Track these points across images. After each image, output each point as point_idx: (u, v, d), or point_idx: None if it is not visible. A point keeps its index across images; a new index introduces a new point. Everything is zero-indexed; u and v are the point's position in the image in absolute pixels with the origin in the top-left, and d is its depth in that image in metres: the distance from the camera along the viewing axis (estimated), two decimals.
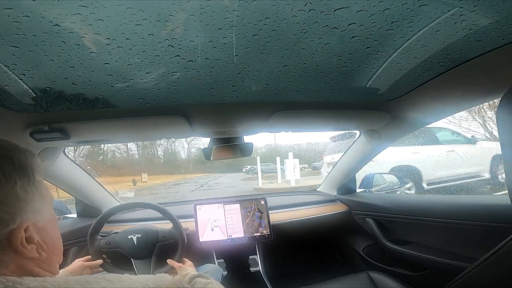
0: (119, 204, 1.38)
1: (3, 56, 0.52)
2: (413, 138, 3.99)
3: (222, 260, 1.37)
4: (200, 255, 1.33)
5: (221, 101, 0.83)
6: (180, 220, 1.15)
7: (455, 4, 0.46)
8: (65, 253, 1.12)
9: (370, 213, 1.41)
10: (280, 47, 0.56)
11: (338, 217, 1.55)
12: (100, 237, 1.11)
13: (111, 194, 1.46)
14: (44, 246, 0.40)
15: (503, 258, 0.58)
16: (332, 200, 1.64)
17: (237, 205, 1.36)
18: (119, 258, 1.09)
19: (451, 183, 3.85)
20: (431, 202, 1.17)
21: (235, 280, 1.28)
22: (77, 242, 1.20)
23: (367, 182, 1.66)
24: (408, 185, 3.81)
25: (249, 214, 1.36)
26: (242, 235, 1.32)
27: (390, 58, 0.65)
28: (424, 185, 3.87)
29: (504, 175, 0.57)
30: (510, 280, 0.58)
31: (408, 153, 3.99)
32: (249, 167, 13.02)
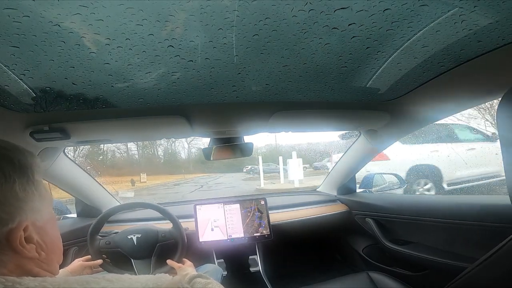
0: (119, 204, 1.38)
1: (3, 56, 0.52)
2: (432, 135, 3.81)
3: (222, 260, 1.37)
4: (200, 255, 1.33)
5: (221, 101, 0.83)
6: (180, 220, 1.15)
7: (455, 4, 0.46)
8: (65, 253, 1.12)
9: (370, 213, 1.41)
10: (280, 47, 0.56)
11: (338, 217, 1.55)
12: (100, 237, 1.11)
13: (111, 194, 1.46)
14: (43, 245, 0.40)
15: (503, 258, 0.58)
16: (332, 200, 1.64)
17: (237, 205, 1.36)
18: (119, 258, 1.09)
19: (474, 183, 3.56)
20: (431, 202, 1.17)
21: (235, 280, 1.28)
22: (77, 242, 1.20)
23: (367, 182, 1.66)
24: (428, 186, 3.59)
25: (249, 214, 1.36)
26: (242, 235, 1.32)
27: (390, 58, 0.65)
28: (445, 185, 3.60)
29: None
30: (510, 280, 0.58)
31: (427, 151, 3.76)
32: (249, 167, 12.98)
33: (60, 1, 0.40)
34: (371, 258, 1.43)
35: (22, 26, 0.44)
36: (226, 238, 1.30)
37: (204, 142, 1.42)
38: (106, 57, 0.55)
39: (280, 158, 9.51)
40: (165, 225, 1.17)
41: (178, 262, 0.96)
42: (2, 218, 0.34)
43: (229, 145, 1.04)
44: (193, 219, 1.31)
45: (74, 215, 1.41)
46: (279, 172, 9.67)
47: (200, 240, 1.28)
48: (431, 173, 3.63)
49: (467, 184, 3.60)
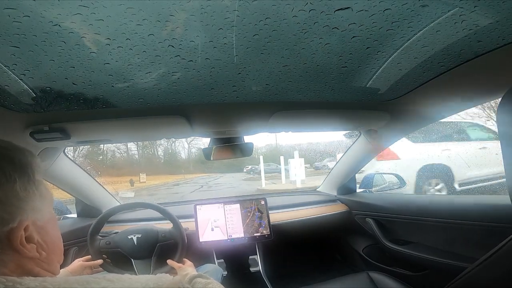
0: (119, 204, 1.38)
1: (3, 56, 0.52)
2: (443, 133, 3.68)
3: (222, 260, 1.37)
4: (200, 255, 1.33)
5: (221, 101, 0.83)
6: (180, 220, 1.15)
7: (456, 4, 0.46)
8: (65, 253, 1.11)
9: (370, 213, 1.41)
10: (281, 47, 0.56)
11: (338, 217, 1.55)
12: (100, 237, 1.11)
13: (111, 194, 1.46)
14: (44, 245, 0.40)
15: (503, 258, 0.58)
16: (332, 200, 1.64)
17: (237, 205, 1.36)
18: (119, 258, 1.09)
19: (486, 183, 3.40)
20: (431, 202, 1.17)
21: (235, 280, 1.28)
22: (77, 242, 1.20)
23: (367, 182, 1.66)
24: (439, 187, 3.45)
25: (249, 214, 1.36)
26: (242, 235, 1.32)
27: (390, 58, 0.65)
28: (456, 185, 3.45)
29: None
30: (510, 280, 0.58)
31: (439, 149, 3.60)
32: (250, 167, 12.96)
33: (61, 1, 0.40)
34: (371, 258, 1.43)
35: (22, 26, 0.44)
36: (226, 238, 1.30)
37: (204, 142, 1.43)
38: (106, 57, 0.55)
39: (282, 158, 9.34)
40: (165, 225, 1.17)
41: (178, 262, 0.96)
42: (2, 217, 0.34)
43: (229, 145, 1.04)
44: (193, 219, 1.31)
45: (74, 215, 1.41)
46: (279, 172, 9.50)
47: (200, 240, 1.28)
48: (443, 173, 3.49)
49: (479, 184, 3.47)
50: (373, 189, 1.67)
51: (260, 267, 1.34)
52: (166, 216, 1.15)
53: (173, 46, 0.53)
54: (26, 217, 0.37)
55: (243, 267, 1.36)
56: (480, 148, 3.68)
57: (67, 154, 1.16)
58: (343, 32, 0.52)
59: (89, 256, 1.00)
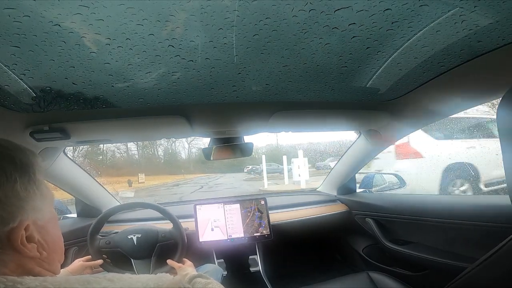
0: (119, 204, 1.38)
1: (3, 56, 0.52)
2: (468, 131, 3.41)
3: (222, 260, 1.37)
4: (200, 255, 1.33)
5: (221, 101, 0.83)
6: (180, 220, 1.15)
7: (456, 4, 0.46)
8: (65, 253, 1.11)
9: (370, 213, 1.41)
10: (281, 47, 0.56)
11: (338, 217, 1.55)
12: (100, 237, 1.11)
13: (111, 194, 1.46)
14: (44, 245, 0.40)
15: (503, 258, 0.58)
16: (332, 200, 1.64)
17: (237, 205, 1.36)
18: (119, 258, 1.09)
19: None
20: (431, 202, 1.17)
21: (235, 280, 1.28)
22: (77, 242, 1.20)
23: (367, 182, 1.66)
24: (463, 188, 3.24)
25: (249, 214, 1.36)
26: (242, 235, 1.32)
27: (390, 58, 0.65)
28: (482, 186, 3.20)
29: None
30: (510, 280, 0.58)
31: (463, 147, 3.36)
32: (250, 167, 12.90)
33: (61, 1, 0.40)
34: (371, 258, 1.43)
35: (23, 26, 0.44)
36: (226, 238, 1.30)
37: (204, 142, 1.42)
38: (107, 57, 0.55)
39: (284, 158, 9.00)
40: (165, 225, 1.17)
41: (178, 262, 0.96)
42: (3, 217, 0.34)
43: (229, 145, 1.04)
44: (193, 219, 1.31)
45: (74, 215, 1.41)
46: (280, 172, 9.26)
47: (200, 240, 1.28)
48: (468, 172, 3.24)
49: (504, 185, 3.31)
50: (373, 189, 1.67)
51: (260, 267, 1.34)
52: (166, 216, 1.15)
53: (173, 46, 0.53)
54: (27, 216, 0.37)
55: (243, 267, 1.36)
56: None
57: (67, 154, 1.16)
58: (343, 32, 0.52)
59: (89, 256, 1.00)
